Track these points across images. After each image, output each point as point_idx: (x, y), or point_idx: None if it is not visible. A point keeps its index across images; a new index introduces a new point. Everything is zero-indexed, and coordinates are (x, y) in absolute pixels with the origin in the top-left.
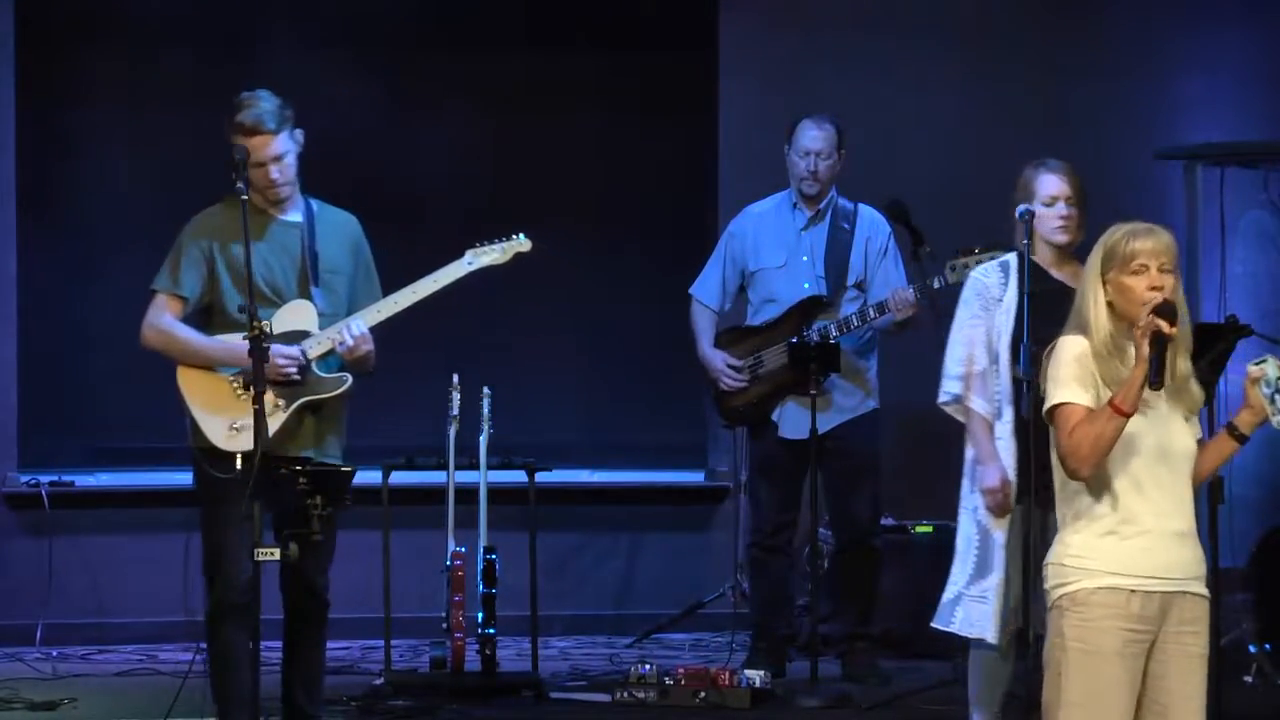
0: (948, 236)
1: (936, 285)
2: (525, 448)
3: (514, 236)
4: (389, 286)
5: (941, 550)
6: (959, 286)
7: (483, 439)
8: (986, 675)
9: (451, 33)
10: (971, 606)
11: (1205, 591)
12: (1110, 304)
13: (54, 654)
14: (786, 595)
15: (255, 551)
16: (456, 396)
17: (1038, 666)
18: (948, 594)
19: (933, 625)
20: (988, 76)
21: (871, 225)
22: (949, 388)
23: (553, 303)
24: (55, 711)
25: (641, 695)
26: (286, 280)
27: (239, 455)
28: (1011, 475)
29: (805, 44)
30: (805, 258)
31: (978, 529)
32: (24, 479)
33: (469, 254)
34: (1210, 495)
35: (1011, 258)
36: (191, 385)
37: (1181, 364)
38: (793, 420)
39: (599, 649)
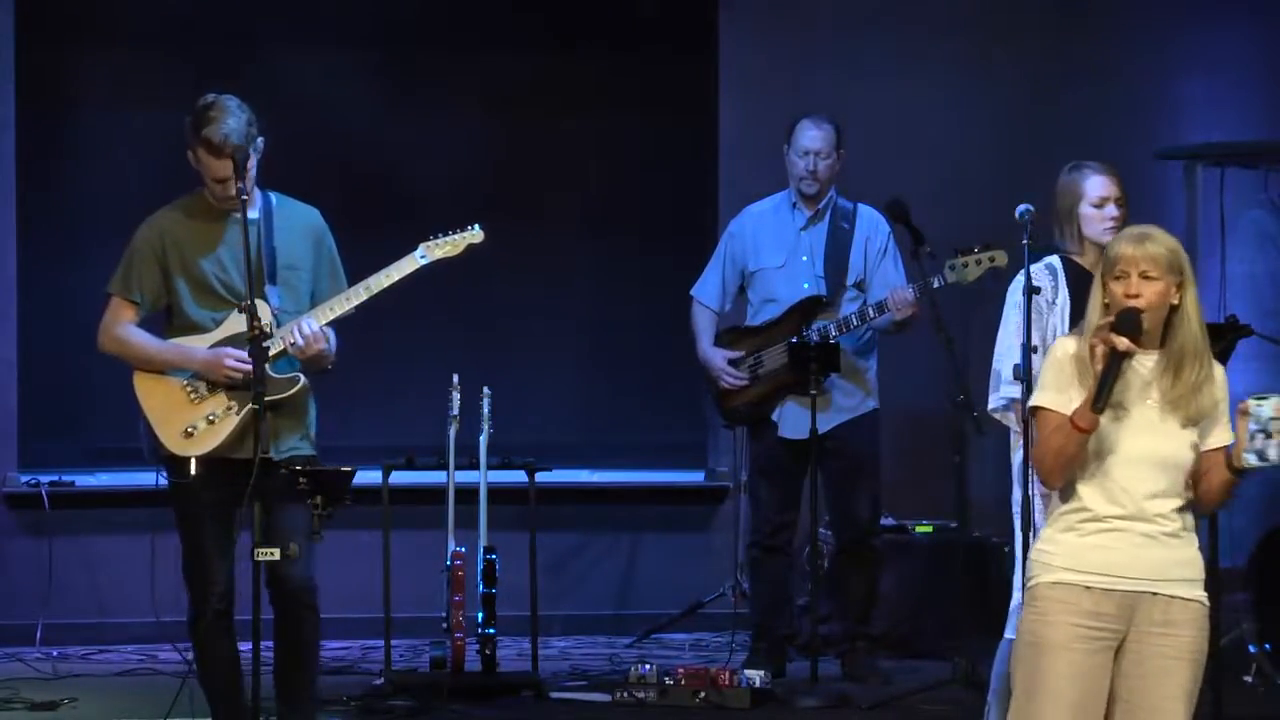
0: (948, 236)
1: (936, 285)
2: (525, 448)
3: (469, 228)
4: None
5: (942, 550)
6: (958, 286)
7: (483, 439)
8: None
9: (451, 33)
10: None
11: (1189, 594)
12: (1107, 307)
13: (54, 654)
14: (786, 595)
15: (255, 551)
16: (456, 396)
17: None
18: (1015, 600)
19: (1006, 637)
20: (988, 76)
21: (871, 225)
22: (1007, 392)
23: (553, 303)
24: (55, 711)
25: (641, 695)
26: (243, 280)
27: (193, 460)
28: None
29: (805, 44)
30: (805, 258)
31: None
32: (24, 479)
33: (421, 247)
34: None
35: (1055, 259)
36: (146, 391)
37: (1188, 373)
38: (793, 420)
39: (599, 649)
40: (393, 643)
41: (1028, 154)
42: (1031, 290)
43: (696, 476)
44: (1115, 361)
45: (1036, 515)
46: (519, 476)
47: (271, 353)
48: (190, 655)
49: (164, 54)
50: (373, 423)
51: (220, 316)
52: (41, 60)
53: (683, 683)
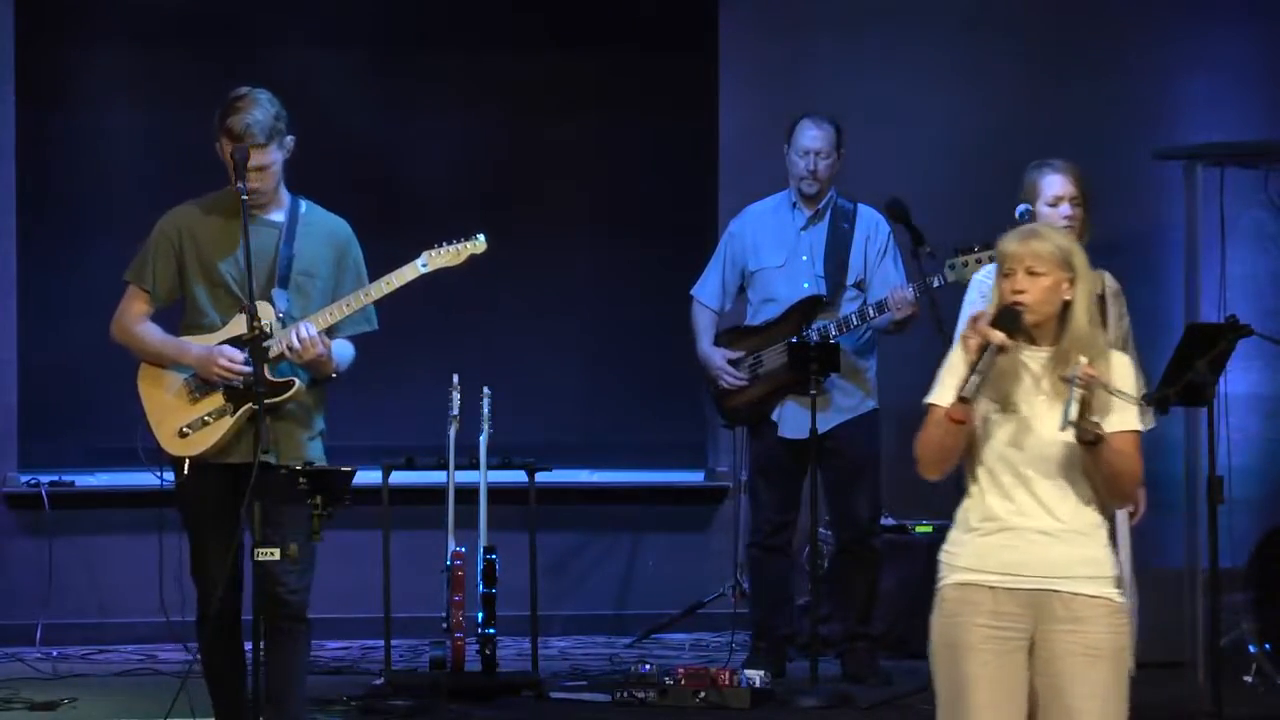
0: (948, 236)
1: (936, 284)
2: (525, 448)
3: (473, 238)
4: None
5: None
6: (958, 286)
7: (483, 439)
8: None
9: (450, 33)
10: None
11: (1095, 591)
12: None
13: (54, 654)
14: (786, 595)
15: (255, 551)
16: (456, 396)
17: None
18: None
19: None
20: (987, 76)
21: (871, 225)
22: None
23: (553, 303)
24: (55, 711)
25: (641, 695)
26: (256, 281)
27: (185, 461)
28: None
29: (805, 44)
30: (805, 257)
31: None
32: (24, 479)
33: (423, 255)
34: (1210, 495)
35: None
36: (148, 387)
37: (1103, 368)
38: (792, 420)
39: (599, 649)
40: (393, 643)
41: (1027, 154)
42: (987, 292)
43: (696, 476)
44: (988, 355)
45: None
46: (519, 476)
47: (270, 355)
48: (191, 655)
49: (164, 54)
50: (373, 423)
51: (231, 317)
52: (41, 60)
53: (683, 683)
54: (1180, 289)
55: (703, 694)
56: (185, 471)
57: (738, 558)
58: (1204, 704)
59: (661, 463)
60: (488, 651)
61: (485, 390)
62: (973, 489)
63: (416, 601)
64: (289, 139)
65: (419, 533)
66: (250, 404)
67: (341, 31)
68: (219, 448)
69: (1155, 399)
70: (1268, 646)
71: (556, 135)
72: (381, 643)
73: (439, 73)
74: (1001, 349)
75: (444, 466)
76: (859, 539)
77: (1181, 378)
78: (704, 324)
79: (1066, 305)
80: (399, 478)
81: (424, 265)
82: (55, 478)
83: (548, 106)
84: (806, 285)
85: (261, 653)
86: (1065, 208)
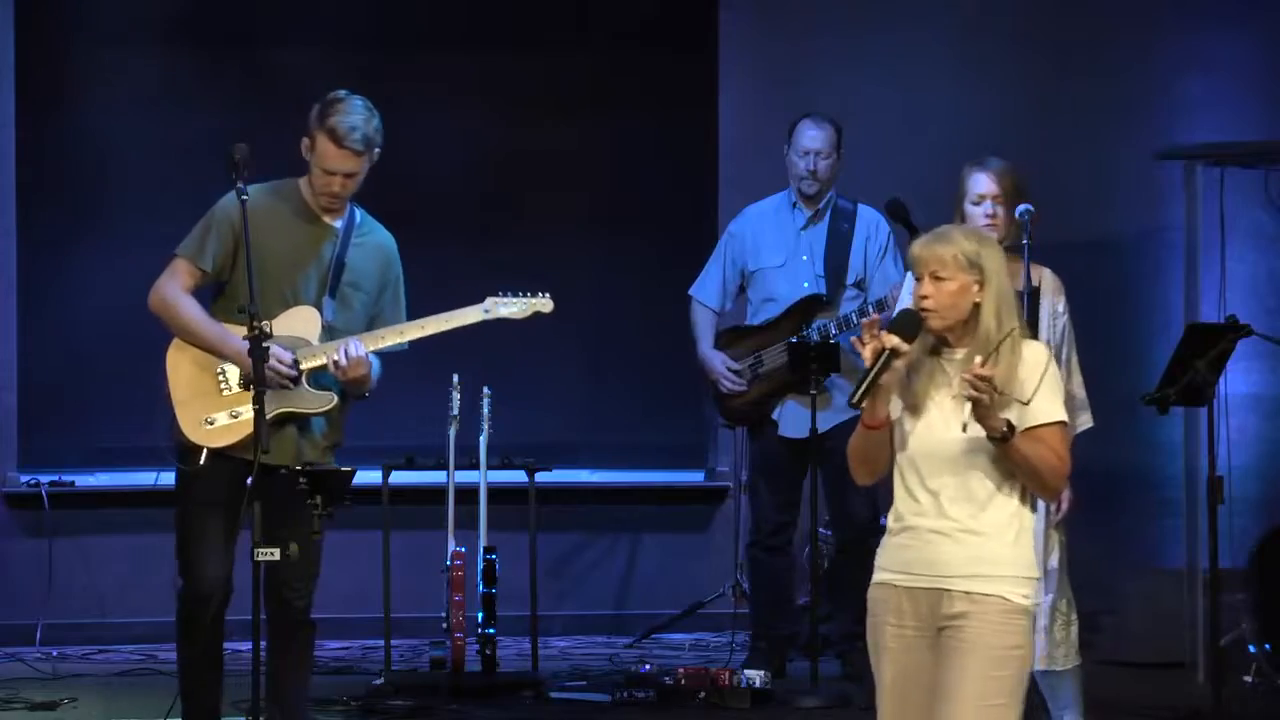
0: None
1: None
2: (525, 448)
3: (540, 294)
4: None
5: None
6: None
7: (483, 439)
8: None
9: (450, 33)
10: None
11: (984, 590)
12: None
13: (54, 654)
14: (786, 595)
15: (255, 552)
16: (456, 396)
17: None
18: None
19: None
20: (988, 76)
21: (871, 225)
22: None
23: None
24: (55, 711)
25: (641, 695)
26: (306, 284)
27: (204, 450)
28: None
29: (805, 44)
30: (805, 257)
31: None
32: (24, 479)
33: (488, 301)
34: (1210, 495)
35: None
36: (176, 367)
37: (1003, 371)
38: (793, 419)
39: (599, 649)
40: (393, 643)
41: (1027, 154)
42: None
43: (696, 476)
44: (884, 359)
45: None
46: (519, 476)
47: (309, 365)
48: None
49: (164, 54)
50: (373, 423)
51: (272, 312)
52: (41, 60)
53: (683, 683)
54: (1180, 289)
55: (703, 694)
56: (202, 460)
57: (738, 558)
58: (1204, 704)
59: (661, 463)
60: (488, 651)
61: (485, 390)
62: (896, 490)
63: (416, 601)
64: (378, 150)
65: (419, 533)
66: (283, 408)
67: (341, 31)
68: (243, 444)
69: (1155, 399)
70: (1268, 646)
71: (556, 135)
72: (382, 643)
73: (439, 73)
74: (895, 353)
75: (444, 466)
76: (859, 539)
77: (1181, 378)
78: (704, 324)
79: (977, 307)
80: (399, 478)
81: (486, 311)
82: (55, 478)
83: (548, 106)
84: (806, 285)
85: (259, 651)
86: (987, 206)
